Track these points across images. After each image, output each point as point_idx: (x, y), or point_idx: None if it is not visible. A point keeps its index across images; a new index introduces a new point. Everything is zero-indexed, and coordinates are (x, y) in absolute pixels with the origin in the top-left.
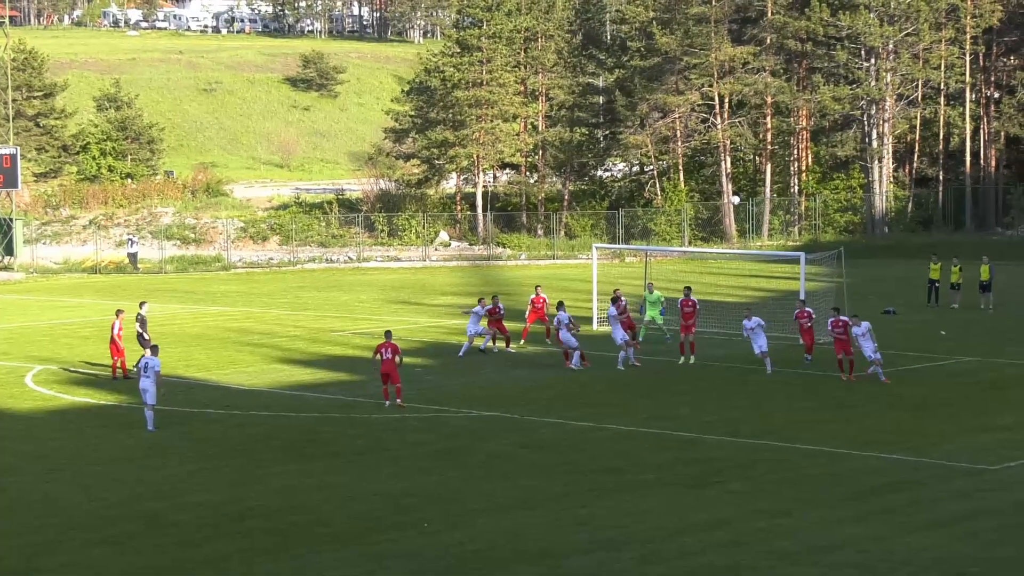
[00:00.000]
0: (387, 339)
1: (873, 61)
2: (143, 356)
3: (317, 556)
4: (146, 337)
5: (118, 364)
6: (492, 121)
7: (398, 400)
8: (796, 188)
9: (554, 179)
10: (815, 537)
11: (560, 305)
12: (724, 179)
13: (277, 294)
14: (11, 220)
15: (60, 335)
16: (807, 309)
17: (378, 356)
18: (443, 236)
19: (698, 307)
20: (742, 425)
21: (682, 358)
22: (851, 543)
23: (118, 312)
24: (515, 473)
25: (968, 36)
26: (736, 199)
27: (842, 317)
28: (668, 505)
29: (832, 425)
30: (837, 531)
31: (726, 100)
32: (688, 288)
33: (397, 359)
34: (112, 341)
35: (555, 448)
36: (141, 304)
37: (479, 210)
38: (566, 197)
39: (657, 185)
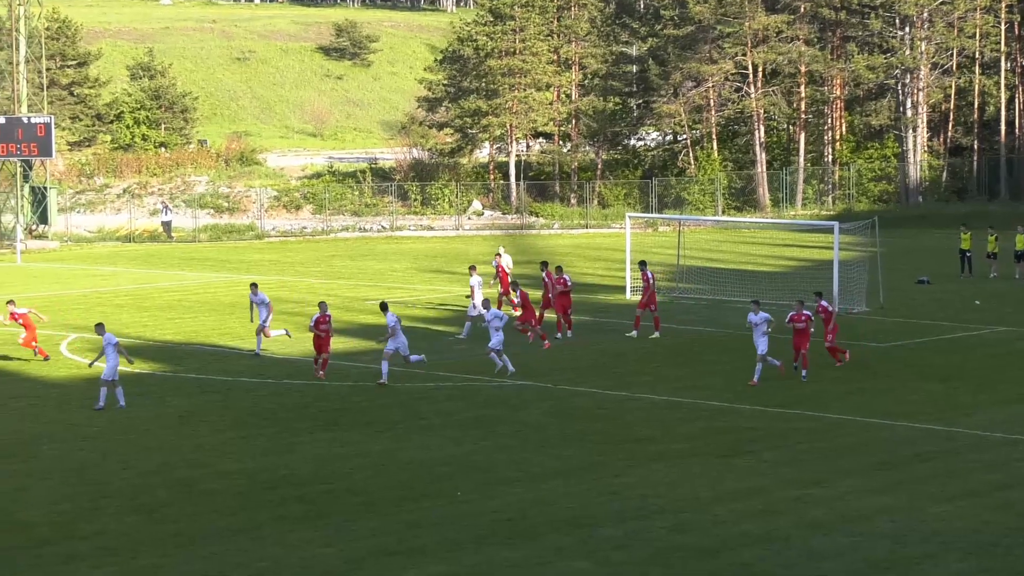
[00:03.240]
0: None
1: (907, 30)
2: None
3: (350, 524)
4: None
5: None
6: (525, 90)
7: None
8: (830, 157)
9: (587, 148)
10: (848, 507)
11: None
12: (758, 148)
13: (310, 263)
14: (45, 189)
15: (95, 303)
16: (805, 312)
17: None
18: (476, 205)
19: (652, 280)
20: (774, 395)
21: (634, 332)
22: (883, 513)
23: (9, 303)
24: (548, 442)
25: (1003, 4)
26: None
27: (805, 312)
28: (700, 475)
29: (864, 395)
30: (869, 501)
31: (760, 69)
32: (643, 263)
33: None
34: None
35: (588, 417)
36: None
37: (512, 179)
38: (599, 166)
39: (690, 154)
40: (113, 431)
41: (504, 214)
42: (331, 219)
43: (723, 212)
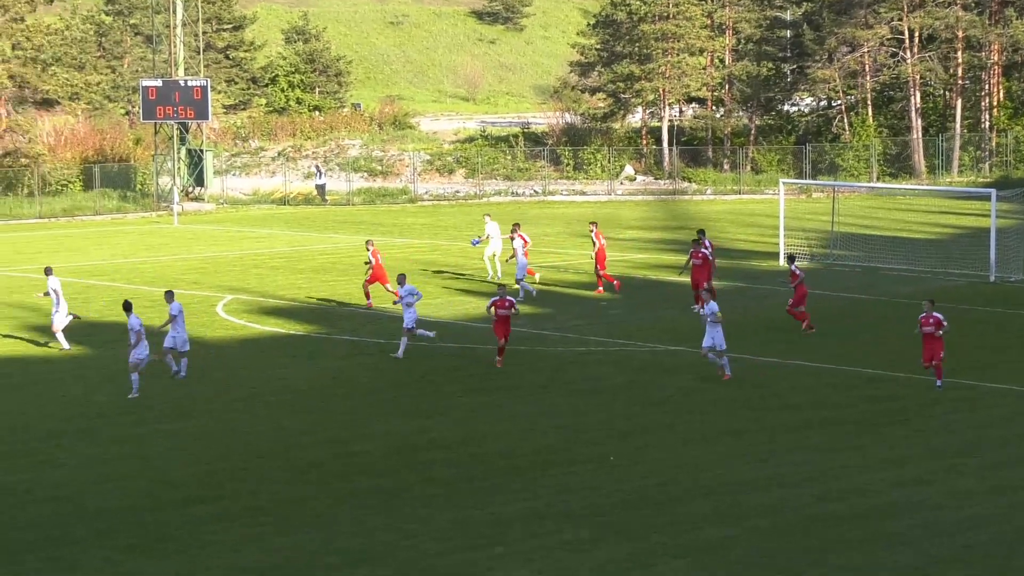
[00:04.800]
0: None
1: None
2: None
3: (498, 487)
4: None
5: None
6: (678, 55)
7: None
8: (987, 124)
9: (741, 114)
10: (999, 477)
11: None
12: (913, 114)
13: (463, 227)
14: (202, 151)
15: (250, 265)
16: (935, 314)
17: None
18: (628, 170)
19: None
20: None
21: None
22: None
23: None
24: (697, 408)
25: None
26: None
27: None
28: (850, 443)
29: (1019, 364)
30: (1022, 471)
31: (916, 34)
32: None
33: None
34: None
35: (738, 384)
36: None
37: (665, 144)
38: (752, 132)
39: (845, 120)
40: (266, 392)
41: (656, 179)
42: (483, 183)
43: (878, 179)
